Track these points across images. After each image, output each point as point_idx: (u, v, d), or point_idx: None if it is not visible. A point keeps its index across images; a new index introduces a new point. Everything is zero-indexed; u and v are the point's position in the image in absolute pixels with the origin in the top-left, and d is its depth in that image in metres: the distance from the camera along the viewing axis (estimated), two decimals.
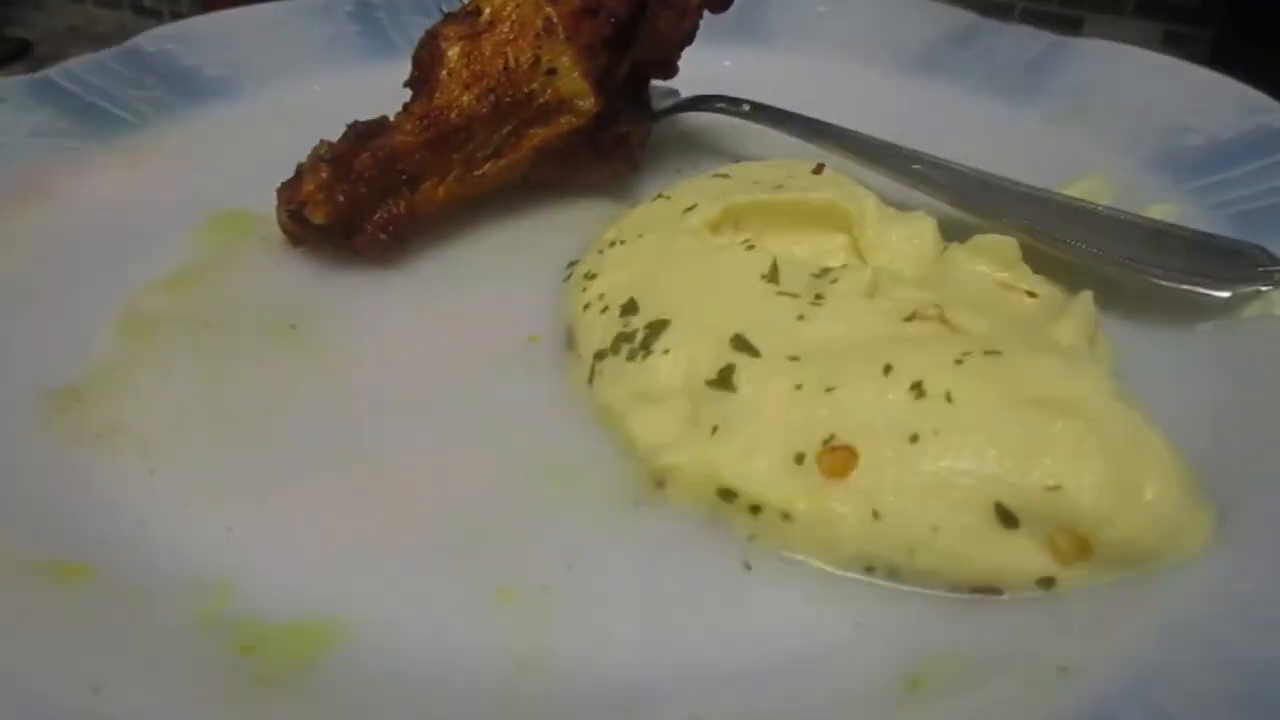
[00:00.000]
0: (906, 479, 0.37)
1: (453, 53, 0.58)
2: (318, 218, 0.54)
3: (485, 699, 0.33)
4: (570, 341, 0.50)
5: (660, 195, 0.58)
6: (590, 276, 0.52)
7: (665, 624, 0.36)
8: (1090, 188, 0.61)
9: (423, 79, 0.58)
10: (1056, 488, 0.36)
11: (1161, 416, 0.42)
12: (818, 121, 0.64)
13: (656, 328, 0.46)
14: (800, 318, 0.45)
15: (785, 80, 0.75)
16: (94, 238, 0.56)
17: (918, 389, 0.39)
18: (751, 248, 0.50)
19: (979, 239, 0.52)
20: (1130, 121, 0.65)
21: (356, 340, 0.51)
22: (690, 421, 0.42)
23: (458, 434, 0.45)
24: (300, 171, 0.55)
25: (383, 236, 0.55)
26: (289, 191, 0.55)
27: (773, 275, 0.48)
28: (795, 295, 0.46)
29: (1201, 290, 0.49)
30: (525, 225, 0.61)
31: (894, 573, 0.37)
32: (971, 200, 0.57)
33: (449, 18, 0.60)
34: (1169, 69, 0.69)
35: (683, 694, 0.33)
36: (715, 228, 0.53)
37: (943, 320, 0.43)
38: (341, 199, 0.54)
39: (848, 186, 0.56)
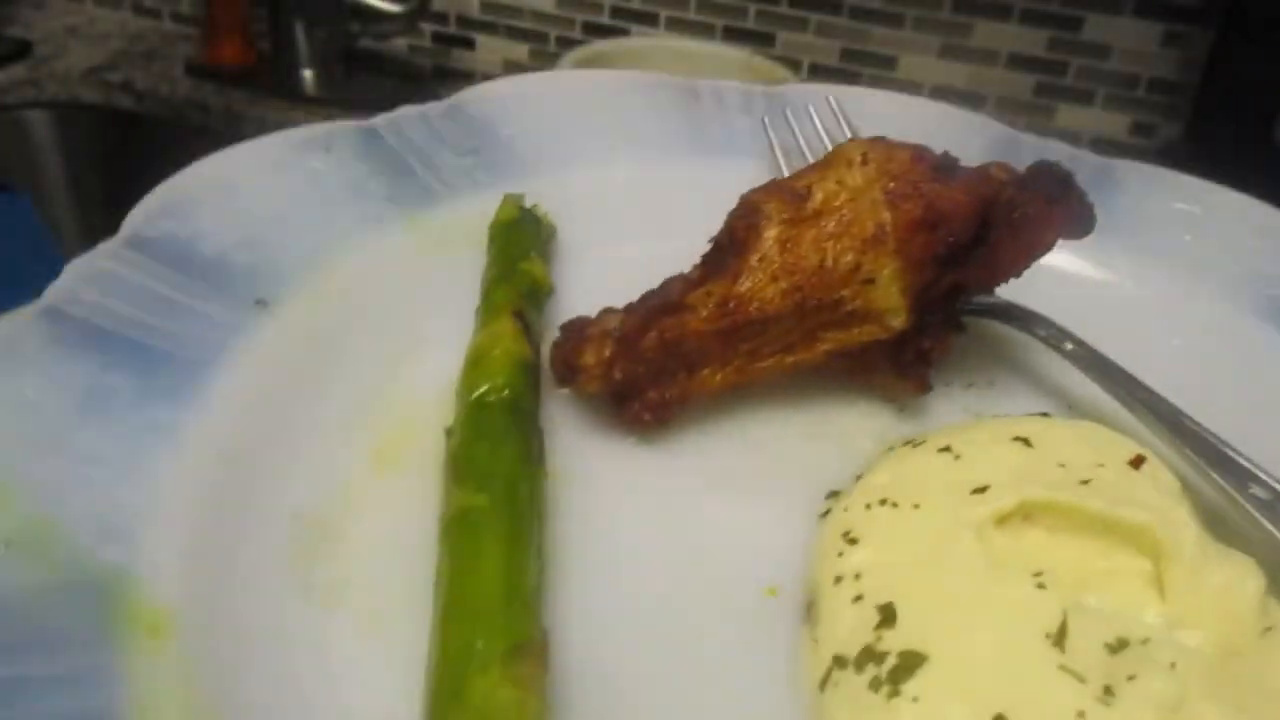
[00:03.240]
0: None
1: (770, 235, 0.54)
2: (589, 388, 0.53)
3: None
4: (810, 615, 0.46)
5: (948, 449, 0.52)
6: (850, 540, 0.48)
7: None
8: None
9: (732, 252, 0.55)
10: None
11: None
12: (1146, 390, 0.56)
13: (911, 662, 0.41)
14: (1080, 715, 0.39)
15: (1108, 296, 0.67)
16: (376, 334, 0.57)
17: None
18: (1042, 586, 0.44)
19: None
20: None
21: (577, 527, 0.49)
22: None
23: (678, 691, 0.42)
24: (583, 332, 0.54)
25: (648, 417, 0.53)
26: (567, 349, 0.54)
27: (1059, 638, 0.42)
28: (1081, 678, 0.40)
29: None
30: (791, 421, 0.56)
31: None
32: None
33: (775, 188, 0.56)
34: None
35: None
36: (1003, 522, 0.48)
37: None
38: (619, 376, 0.52)
39: (1167, 503, 0.49)
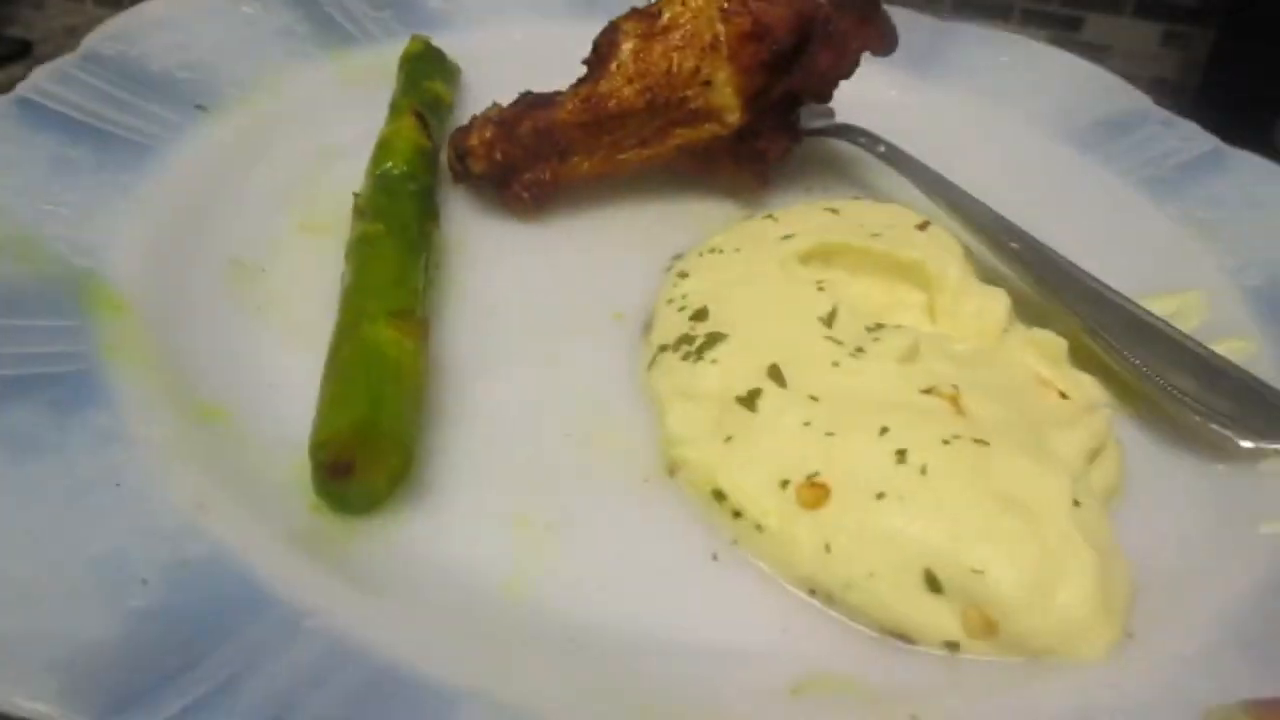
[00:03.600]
0: (862, 527, 0.44)
1: (626, 47, 0.65)
2: (476, 168, 0.64)
3: (471, 596, 0.42)
4: (647, 328, 0.58)
5: (770, 215, 0.64)
6: (683, 275, 0.60)
7: (626, 583, 0.44)
8: (1184, 303, 0.64)
9: (597, 63, 0.66)
10: (980, 572, 0.42)
11: (1135, 536, 0.47)
12: (942, 179, 0.68)
13: (714, 338, 0.53)
14: (835, 364, 0.51)
15: (940, 122, 0.79)
16: (304, 138, 0.67)
17: (901, 455, 0.45)
18: (822, 289, 0.56)
19: (1036, 331, 0.57)
20: (1251, 248, 0.66)
21: (475, 277, 0.60)
22: (713, 426, 0.50)
23: (528, 381, 0.54)
24: (471, 123, 0.65)
25: (525, 195, 0.64)
26: (458, 137, 0.65)
27: (829, 319, 0.54)
28: (840, 343, 0.52)
29: (1224, 433, 0.52)
30: (652, 211, 0.68)
31: (830, 600, 0.44)
32: (1048, 288, 0.60)
33: (633, 12, 0.67)
34: None
35: (614, 644, 0.41)
36: (805, 260, 0.59)
37: (955, 401, 0.49)
38: (499, 156, 0.63)
39: (940, 248, 0.61)
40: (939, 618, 0.42)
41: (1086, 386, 0.55)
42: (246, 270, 0.57)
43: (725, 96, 0.65)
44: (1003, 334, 0.57)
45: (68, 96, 0.61)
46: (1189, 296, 0.64)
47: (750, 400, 0.49)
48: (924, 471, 0.45)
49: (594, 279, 0.61)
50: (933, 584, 0.42)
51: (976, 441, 0.46)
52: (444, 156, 0.67)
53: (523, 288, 0.60)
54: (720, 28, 0.64)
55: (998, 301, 0.58)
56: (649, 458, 0.50)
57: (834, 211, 0.64)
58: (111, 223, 0.55)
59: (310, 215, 0.63)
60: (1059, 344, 0.55)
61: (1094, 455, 0.50)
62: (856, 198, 0.69)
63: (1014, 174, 0.73)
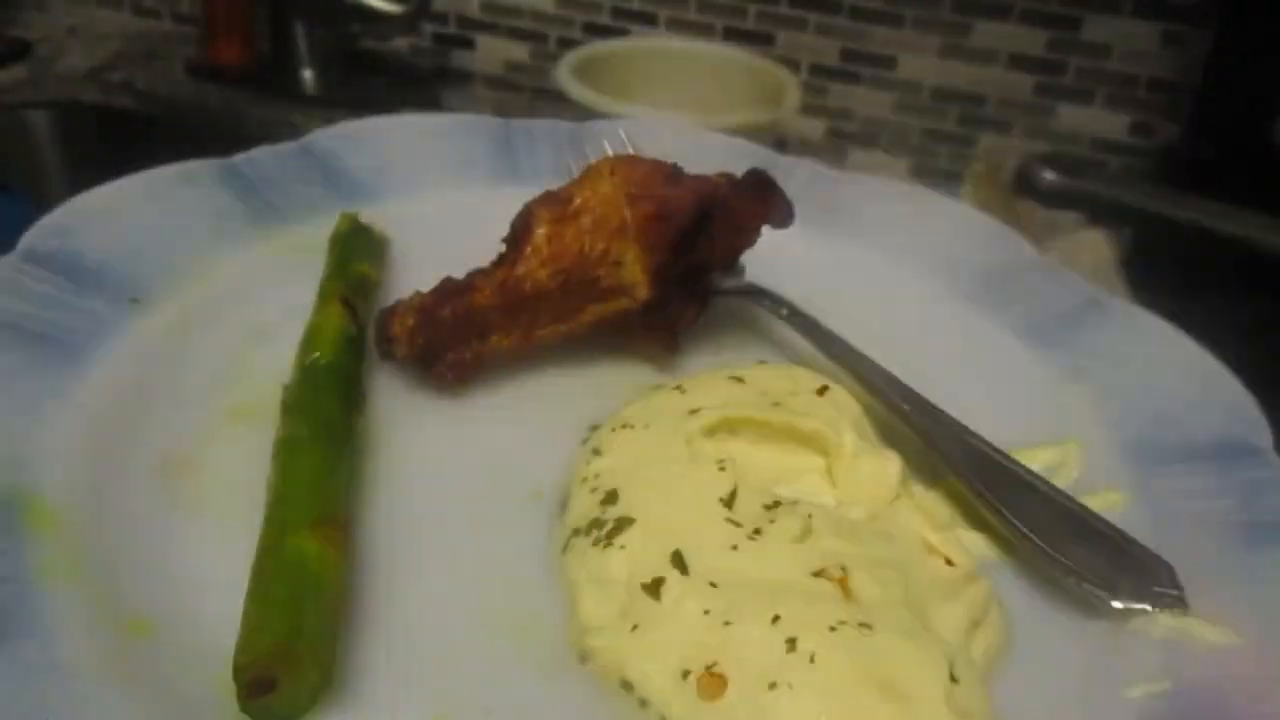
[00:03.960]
0: (756, 719, 0.47)
1: (540, 231, 0.70)
2: (399, 353, 0.68)
3: None
4: (562, 507, 0.61)
5: (678, 387, 0.68)
6: (596, 452, 0.63)
7: None
8: (1064, 454, 0.69)
9: (513, 244, 0.71)
10: None
11: (1014, 700, 0.51)
12: (840, 341, 0.73)
13: (623, 524, 0.57)
14: (734, 548, 0.55)
15: (842, 277, 0.84)
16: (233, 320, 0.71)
17: (791, 644, 0.49)
18: (723, 469, 0.60)
19: (924, 496, 0.61)
20: (1129, 399, 0.72)
21: (397, 464, 0.63)
22: (622, 614, 0.53)
23: (446, 572, 0.56)
24: (394, 309, 0.69)
25: (449, 376, 0.68)
26: (381, 322, 0.69)
27: (729, 500, 0.58)
28: (739, 525, 0.56)
29: (1098, 593, 0.57)
30: (569, 380, 0.72)
31: None
32: (936, 449, 0.65)
33: (546, 196, 0.72)
34: (1187, 357, 0.75)
35: None
36: (711, 433, 0.64)
37: (843, 584, 0.53)
38: (421, 342, 0.67)
39: (837, 413, 0.65)
40: None
41: (971, 550, 0.60)
42: (175, 463, 0.60)
43: (634, 274, 0.70)
44: (895, 499, 0.61)
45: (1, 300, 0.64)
46: (1068, 447, 0.69)
47: (655, 588, 0.53)
48: (812, 660, 0.48)
49: (513, 456, 0.65)
50: None
51: (861, 625, 0.50)
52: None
53: (443, 471, 0.63)
54: (627, 212, 0.69)
55: (889, 465, 0.62)
56: (563, 645, 0.53)
57: (739, 380, 0.69)
58: (38, 430, 0.57)
59: (239, 400, 0.65)
60: (943, 510, 0.60)
61: (975, 625, 0.54)
62: (762, 361, 0.74)
63: (909, 328, 0.79)
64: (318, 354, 0.64)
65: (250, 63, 1.72)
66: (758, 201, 0.73)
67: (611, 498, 0.59)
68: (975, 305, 0.82)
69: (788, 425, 0.64)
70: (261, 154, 0.84)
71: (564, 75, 1.40)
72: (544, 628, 0.54)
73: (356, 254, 0.75)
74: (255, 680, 0.45)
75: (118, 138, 1.66)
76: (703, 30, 1.71)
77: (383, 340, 0.68)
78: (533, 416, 0.69)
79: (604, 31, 1.75)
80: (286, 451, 0.56)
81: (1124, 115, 1.57)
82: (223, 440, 0.63)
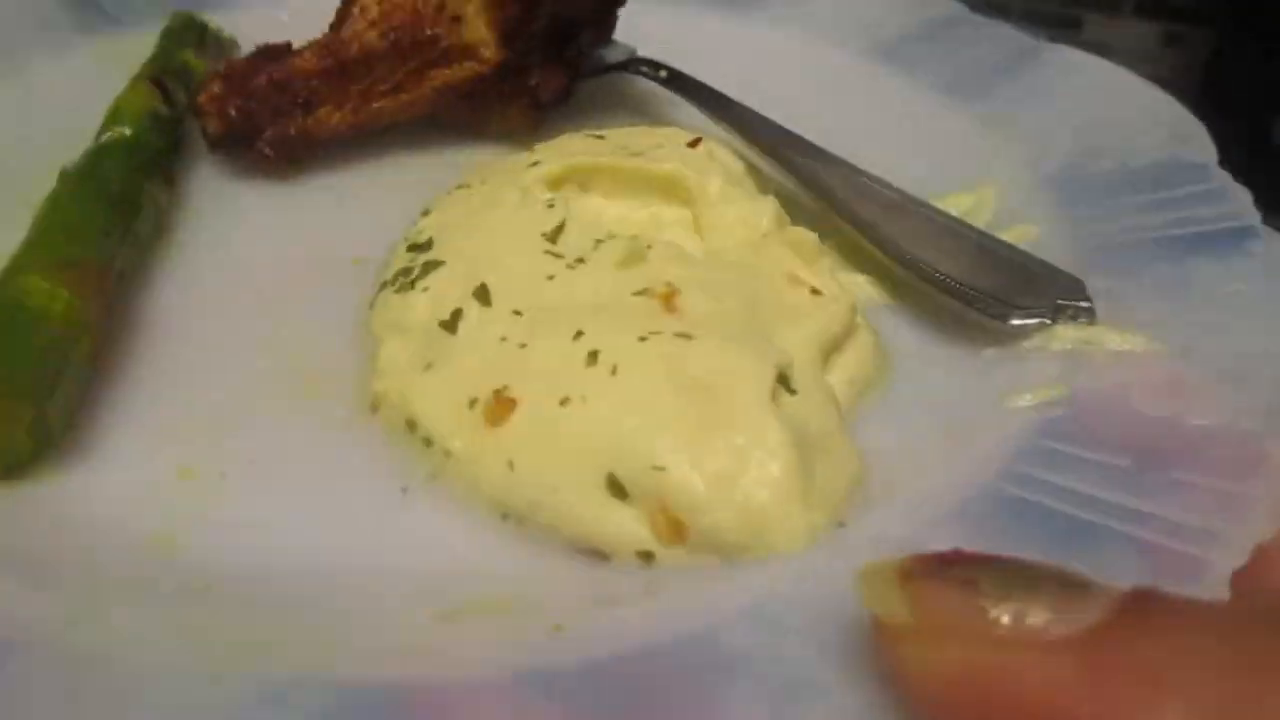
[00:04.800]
0: (545, 437, 0.40)
1: None
2: (210, 127, 0.60)
3: (107, 554, 0.38)
4: (379, 270, 0.54)
5: (530, 148, 0.60)
6: (425, 213, 0.56)
7: (295, 527, 0.39)
8: (979, 199, 0.60)
9: (341, 11, 0.63)
10: (661, 468, 0.37)
11: (888, 427, 0.43)
12: (726, 98, 0.65)
13: (429, 267, 0.49)
14: (550, 277, 0.47)
15: (745, 56, 0.75)
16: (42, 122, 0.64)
17: (592, 357, 0.41)
18: (552, 206, 0.52)
19: (791, 230, 0.53)
20: (1052, 137, 0.62)
21: (210, 239, 0.56)
22: (417, 356, 0.45)
23: (248, 330, 0.50)
24: (203, 81, 0.61)
25: (268, 152, 0.60)
26: (190, 99, 0.61)
27: (553, 235, 0.50)
28: (560, 256, 0.48)
29: (984, 315, 0.48)
30: (415, 161, 0.64)
31: (521, 523, 0.40)
32: (824, 193, 0.56)
33: None
34: (1121, 87, 0.66)
35: (286, 581, 0.37)
36: (555, 185, 0.55)
37: (668, 299, 0.45)
38: (233, 113, 0.60)
39: (709, 161, 0.57)
40: (627, 526, 0.38)
41: (848, 285, 0.51)
42: None
43: (478, 30, 0.61)
44: (763, 239, 0.53)
45: None
46: (982, 192, 0.60)
47: (452, 323, 0.45)
48: (614, 371, 0.41)
49: (340, 229, 0.58)
50: (616, 489, 0.38)
51: (679, 335, 0.42)
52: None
53: (260, 244, 0.56)
54: None
55: (763, 207, 0.54)
56: (358, 398, 0.46)
57: (599, 138, 0.60)
58: None
59: (36, 193, 0.59)
60: (811, 239, 0.51)
61: (831, 344, 0.46)
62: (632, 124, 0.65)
63: (813, 96, 0.69)
64: (114, 130, 0.57)
65: None
66: None
67: (425, 246, 0.51)
68: (892, 65, 0.73)
69: (642, 171, 0.55)
70: None
71: None
72: (339, 382, 0.47)
73: (183, 45, 0.67)
74: None
75: None
76: None
77: (195, 114, 0.61)
78: (368, 194, 0.61)
79: None
80: (47, 205, 0.50)
81: None
82: (7, 224, 0.56)
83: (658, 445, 0.38)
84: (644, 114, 0.71)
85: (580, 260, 0.48)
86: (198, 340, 0.49)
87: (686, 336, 0.42)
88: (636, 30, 0.72)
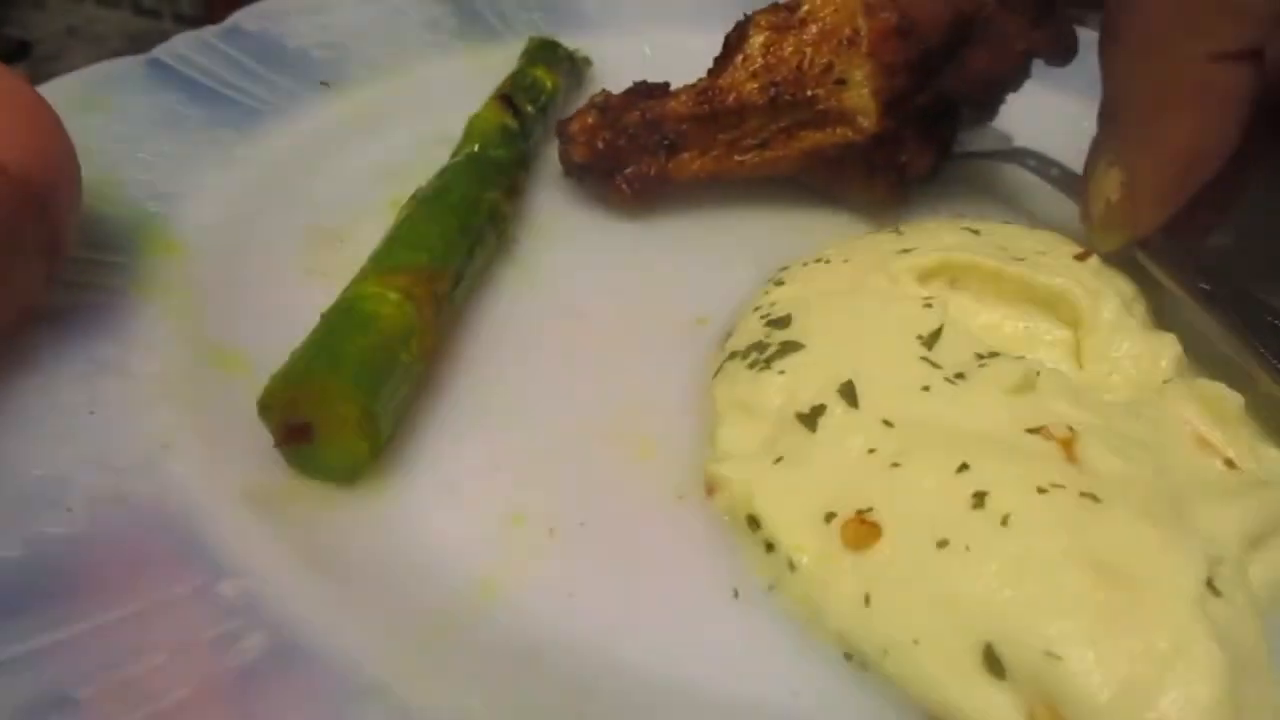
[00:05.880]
0: (912, 579, 0.35)
1: (756, 40, 0.59)
2: (577, 155, 0.59)
3: (427, 588, 0.36)
4: (727, 334, 0.51)
5: (896, 229, 0.56)
6: (778, 283, 0.52)
7: (618, 605, 0.37)
8: None
9: (723, 55, 0.61)
10: (1056, 656, 0.32)
11: None
12: None
13: (788, 348, 0.45)
14: (925, 388, 0.42)
15: None
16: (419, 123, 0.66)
17: (979, 499, 0.36)
18: (929, 306, 0.47)
19: (1204, 383, 0.45)
20: None
21: (553, 263, 0.56)
22: (766, 445, 0.42)
23: (585, 372, 0.48)
24: (578, 110, 0.61)
25: (626, 189, 0.59)
26: (561, 124, 0.61)
27: (930, 340, 0.45)
28: (938, 366, 0.43)
29: None
30: (765, 220, 0.61)
31: (866, 668, 0.35)
32: (1246, 341, 0.48)
33: (771, 4, 0.61)
34: None
35: (579, 666, 0.35)
36: (924, 278, 0.51)
37: (1068, 445, 0.39)
38: (601, 145, 0.59)
39: (1098, 283, 0.50)
40: (999, 710, 0.32)
41: (1270, 460, 0.43)
42: (321, 236, 0.55)
43: (861, 98, 0.58)
44: (1164, 385, 0.46)
45: (199, 61, 0.62)
46: None
47: (811, 418, 0.41)
48: (1005, 522, 0.35)
49: (684, 282, 0.55)
50: (992, 663, 0.33)
51: (1084, 495, 0.36)
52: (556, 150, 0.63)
53: (602, 281, 0.55)
54: (862, 22, 0.57)
55: (1164, 348, 0.47)
56: (692, 474, 0.43)
57: (974, 232, 0.55)
58: (198, 174, 0.54)
59: (402, 193, 0.60)
60: (1231, 399, 0.43)
61: (1258, 540, 0.38)
62: (1008, 222, 0.59)
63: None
64: (469, 146, 0.58)
65: None
66: (1032, 25, 0.59)
67: (782, 322, 0.48)
68: None
69: (1026, 281, 0.49)
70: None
71: None
72: (674, 452, 0.44)
73: (535, 63, 0.68)
74: (285, 424, 0.38)
75: None
76: None
77: (562, 139, 0.60)
78: (714, 249, 0.58)
79: None
80: (401, 218, 0.50)
81: None
82: (376, 226, 0.57)
83: (1054, 628, 0.32)
84: (1010, 207, 0.65)
85: (960, 375, 0.43)
86: (533, 371, 0.48)
87: (1093, 498, 0.36)
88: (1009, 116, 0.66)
